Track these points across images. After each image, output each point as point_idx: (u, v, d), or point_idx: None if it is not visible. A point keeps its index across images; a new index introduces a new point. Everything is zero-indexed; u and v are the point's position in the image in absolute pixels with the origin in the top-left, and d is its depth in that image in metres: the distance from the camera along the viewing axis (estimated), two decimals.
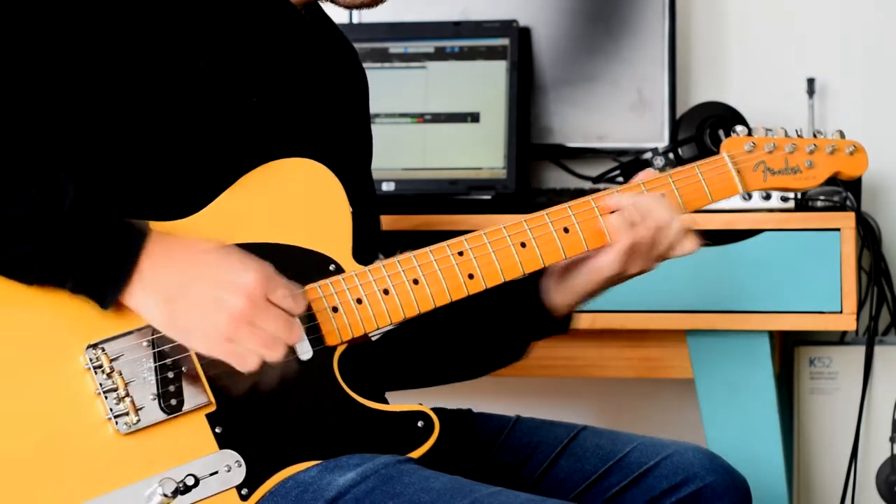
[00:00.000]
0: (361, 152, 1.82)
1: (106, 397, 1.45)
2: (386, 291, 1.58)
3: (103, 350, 1.45)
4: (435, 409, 1.60)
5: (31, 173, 1.41)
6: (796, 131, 1.79)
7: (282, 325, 1.45)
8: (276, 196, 1.56)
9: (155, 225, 1.49)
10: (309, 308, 1.54)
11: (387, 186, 2.46)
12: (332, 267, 1.56)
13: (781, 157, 1.76)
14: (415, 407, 1.58)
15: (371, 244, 1.74)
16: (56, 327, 1.44)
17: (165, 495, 1.44)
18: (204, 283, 1.44)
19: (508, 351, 1.81)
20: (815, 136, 1.79)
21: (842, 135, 1.80)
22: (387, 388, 1.78)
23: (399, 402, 1.60)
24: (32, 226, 1.40)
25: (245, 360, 1.45)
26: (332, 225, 1.58)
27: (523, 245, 1.64)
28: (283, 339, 1.46)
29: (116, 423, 1.45)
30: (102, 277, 1.42)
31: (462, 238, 1.62)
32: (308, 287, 1.54)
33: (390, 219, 2.25)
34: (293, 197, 1.57)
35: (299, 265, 1.55)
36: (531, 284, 1.74)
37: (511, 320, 1.77)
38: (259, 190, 1.56)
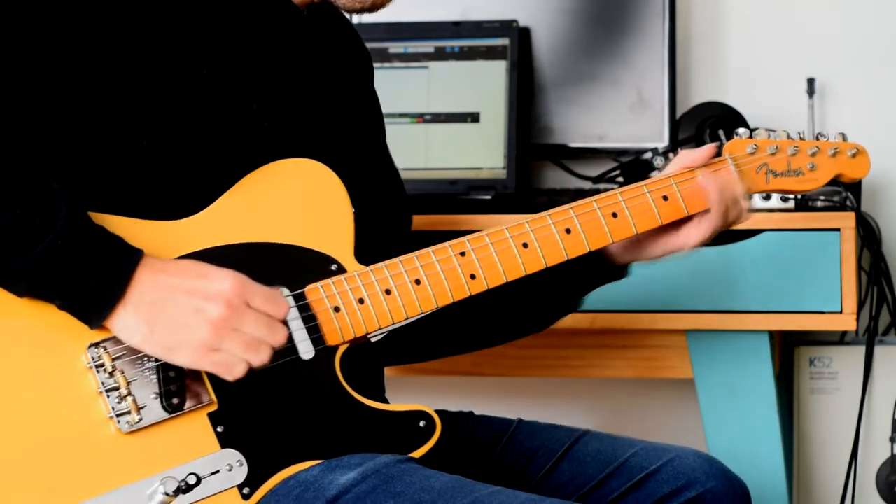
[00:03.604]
0: (372, 144, 1.81)
1: (108, 396, 1.45)
2: (388, 291, 1.58)
3: (105, 349, 1.45)
4: (436, 411, 1.60)
5: (23, 187, 1.40)
6: (798, 134, 1.79)
7: (264, 327, 1.45)
8: (277, 196, 1.56)
9: (153, 226, 1.50)
10: (309, 308, 1.54)
11: None
12: (333, 267, 1.56)
13: (784, 159, 1.77)
14: (416, 407, 1.58)
15: (395, 237, 1.75)
16: (57, 327, 1.44)
17: (167, 494, 1.44)
18: (181, 295, 1.43)
19: (562, 302, 1.81)
20: (817, 138, 1.79)
21: (844, 137, 1.80)
22: (402, 359, 1.76)
23: (400, 402, 1.60)
24: (20, 242, 1.39)
25: (232, 368, 1.44)
26: (334, 224, 1.58)
27: (525, 245, 1.64)
28: (268, 342, 1.45)
29: (118, 421, 1.45)
30: (88, 305, 1.42)
31: (464, 238, 1.63)
32: (310, 287, 1.54)
33: None
34: (294, 196, 1.57)
35: (301, 265, 1.55)
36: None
37: (568, 270, 1.74)
38: (260, 190, 1.56)
